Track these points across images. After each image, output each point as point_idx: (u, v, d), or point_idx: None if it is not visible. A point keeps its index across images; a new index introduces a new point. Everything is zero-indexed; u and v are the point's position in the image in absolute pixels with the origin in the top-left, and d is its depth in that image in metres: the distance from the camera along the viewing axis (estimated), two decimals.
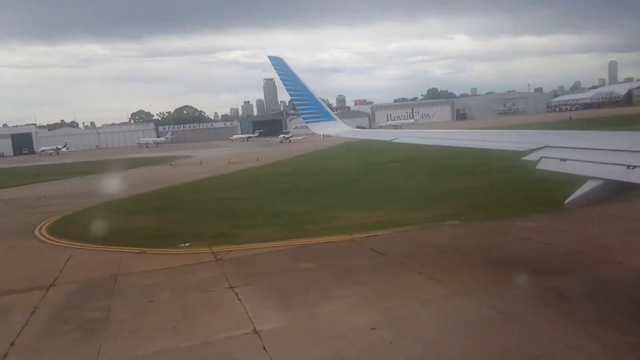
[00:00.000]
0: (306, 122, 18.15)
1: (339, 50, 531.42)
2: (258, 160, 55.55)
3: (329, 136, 17.83)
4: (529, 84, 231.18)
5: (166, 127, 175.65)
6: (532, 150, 9.51)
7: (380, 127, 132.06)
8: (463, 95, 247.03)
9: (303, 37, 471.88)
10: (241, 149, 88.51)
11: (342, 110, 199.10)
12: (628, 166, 7.39)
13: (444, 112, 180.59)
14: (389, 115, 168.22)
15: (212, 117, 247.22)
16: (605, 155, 8.33)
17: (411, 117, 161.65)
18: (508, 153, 11.16)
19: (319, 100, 17.89)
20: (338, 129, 17.46)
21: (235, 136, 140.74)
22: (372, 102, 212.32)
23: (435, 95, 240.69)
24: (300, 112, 18.77)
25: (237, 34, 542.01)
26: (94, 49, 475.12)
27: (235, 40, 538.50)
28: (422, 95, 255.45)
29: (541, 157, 9.07)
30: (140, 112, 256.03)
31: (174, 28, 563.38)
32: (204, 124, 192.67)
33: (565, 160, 8.70)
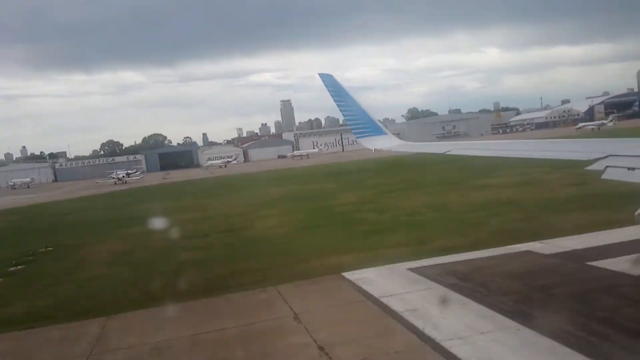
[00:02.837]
0: (357, 137, 18.32)
1: (366, 68, 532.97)
2: None
3: (381, 150, 17.91)
4: (541, 98, 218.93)
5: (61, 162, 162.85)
6: (595, 160, 9.23)
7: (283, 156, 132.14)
8: (454, 111, 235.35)
9: (330, 56, 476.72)
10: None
11: (266, 139, 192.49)
12: None
13: None
14: (315, 143, 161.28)
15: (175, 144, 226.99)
16: None
17: (339, 143, 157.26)
18: (569, 163, 10.93)
19: (369, 114, 18.01)
20: (390, 143, 17.61)
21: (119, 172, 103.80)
22: (394, 120, 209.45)
23: (415, 115, 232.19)
24: (351, 126, 18.96)
25: (266, 57, 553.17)
26: (129, 76, 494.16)
27: (265, 62, 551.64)
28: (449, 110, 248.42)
29: (606, 167, 8.80)
30: (110, 142, 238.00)
31: (206, 53, 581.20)
32: (90, 160, 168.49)
33: (634, 169, 8.34)
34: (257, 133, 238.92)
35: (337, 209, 29.87)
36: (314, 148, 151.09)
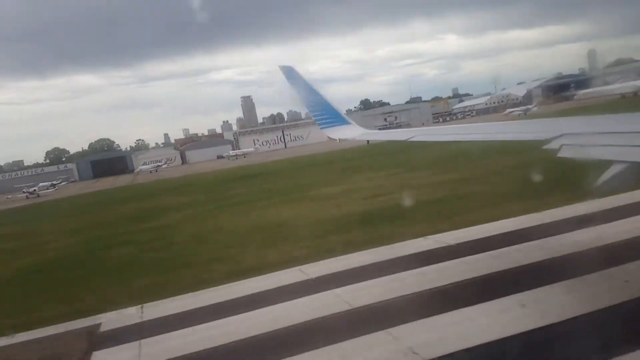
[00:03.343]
0: (322, 128, 18.45)
1: (328, 60, 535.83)
2: None
3: (345, 140, 18.19)
4: (494, 83, 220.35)
5: None
6: (552, 139, 9.36)
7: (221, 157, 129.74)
8: (414, 99, 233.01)
9: (291, 51, 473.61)
10: None
11: (205, 139, 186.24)
12: None
13: (318, 132, 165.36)
14: (255, 140, 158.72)
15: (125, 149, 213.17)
16: (627, 138, 8.28)
17: (281, 140, 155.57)
18: (528, 143, 11.39)
19: (333, 105, 18.23)
20: (354, 133, 17.85)
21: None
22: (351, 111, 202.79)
23: (368, 106, 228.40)
24: (315, 118, 19.08)
25: (226, 54, 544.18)
26: (86, 79, 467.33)
27: (225, 59, 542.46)
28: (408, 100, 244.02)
29: (562, 145, 8.91)
30: (56, 149, 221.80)
31: (165, 53, 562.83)
32: (17, 173, 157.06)
33: (586, 146, 8.63)
34: (197, 134, 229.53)
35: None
36: (255, 146, 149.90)
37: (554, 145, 9.08)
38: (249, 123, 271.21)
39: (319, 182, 38.30)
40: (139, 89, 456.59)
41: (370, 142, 19.84)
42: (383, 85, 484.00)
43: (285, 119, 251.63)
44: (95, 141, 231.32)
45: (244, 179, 57.22)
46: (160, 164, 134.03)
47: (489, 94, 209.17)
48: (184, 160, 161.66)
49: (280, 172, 59.84)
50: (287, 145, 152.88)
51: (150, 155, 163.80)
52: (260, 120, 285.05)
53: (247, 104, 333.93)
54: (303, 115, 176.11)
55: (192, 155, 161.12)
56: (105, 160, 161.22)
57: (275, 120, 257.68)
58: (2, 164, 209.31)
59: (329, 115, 18.11)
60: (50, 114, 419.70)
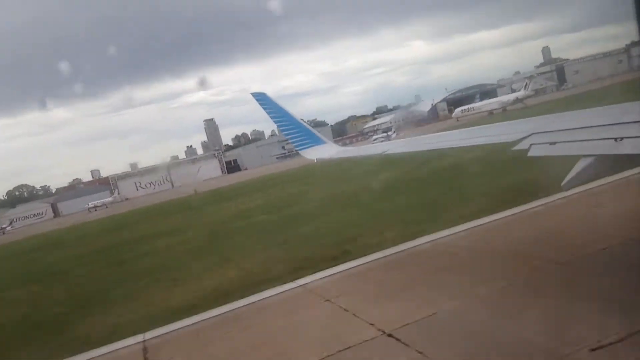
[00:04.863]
0: (298, 150, 18.76)
1: (301, 75, 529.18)
2: None
3: (322, 159, 18.65)
4: (445, 88, 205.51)
5: None
6: (521, 139, 9.46)
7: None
8: (380, 108, 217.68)
9: (263, 68, 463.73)
10: None
11: (81, 186, 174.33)
12: (616, 139, 7.42)
13: (210, 166, 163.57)
14: (137, 184, 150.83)
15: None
16: (592, 132, 8.43)
17: (168, 179, 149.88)
18: (499, 145, 12.43)
19: (307, 126, 18.71)
20: (330, 151, 18.44)
21: None
22: (328, 124, 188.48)
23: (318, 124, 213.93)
24: (290, 141, 19.32)
25: (197, 76, 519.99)
26: (57, 113, 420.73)
27: (197, 81, 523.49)
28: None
29: (531, 144, 9.02)
30: (23, 185, 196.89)
31: (136, 80, 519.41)
32: None
33: (554, 143, 8.71)
34: (80, 179, 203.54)
35: None
36: (137, 190, 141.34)
37: (523, 145, 9.21)
38: (213, 145, 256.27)
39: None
40: (112, 118, 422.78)
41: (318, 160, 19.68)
42: (354, 95, 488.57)
43: (250, 138, 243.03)
44: (14, 187, 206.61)
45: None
46: (4, 226, 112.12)
47: (398, 107, 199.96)
48: (56, 212, 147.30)
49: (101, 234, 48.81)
50: (175, 185, 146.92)
51: (17, 212, 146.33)
52: (226, 141, 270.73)
53: (210, 126, 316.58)
54: (267, 134, 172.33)
55: (67, 206, 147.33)
56: None
57: (240, 140, 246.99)
58: None
59: (303, 136, 18.54)
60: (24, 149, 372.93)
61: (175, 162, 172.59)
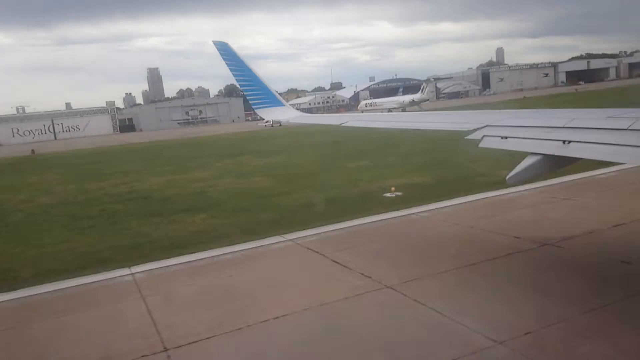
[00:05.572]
0: (255, 109, 17.92)
1: (262, 36, 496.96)
2: None
3: (278, 122, 18.02)
4: (395, 74, 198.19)
5: None
6: (474, 130, 9.78)
7: None
8: (335, 84, 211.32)
9: (223, 23, 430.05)
10: None
11: None
12: (564, 141, 7.83)
13: (101, 123, 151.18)
14: (15, 130, 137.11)
15: None
16: (543, 132, 8.70)
17: (51, 130, 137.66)
18: (453, 133, 12.53)
19: (267, 85, 17.87)
20: (288, 115, 17.80)
21: None
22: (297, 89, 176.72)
23: (230, 92, 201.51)
24: (247, 97, 18.41)
25: (152, 21, 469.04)
26: None
27: (151, 27, 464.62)
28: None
29: (483, 136, 9.32)
30: None
31: (84, 14, 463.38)
32: None
33: (506, 138, 9.02)
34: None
35: None
36: (13, 136, 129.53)
37: (476, 135, 9.55)
38: (154, 96, 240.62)
39: None
40: (56, 51, 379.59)
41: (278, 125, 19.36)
42: (316, 67, 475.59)
43: (194, 95, 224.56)
44: None
45: None
46: None
47: (322, 88, 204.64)
48: None
49: None
50: (59, 137, 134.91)
51: None
52: (168, 94, 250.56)
53: (154, 75, 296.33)
54: (211, 94, 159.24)
55: None
56: None
57: (184, 95, 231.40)
58: None
59: (263, 95, 17.71)
60: None
61: (64, 112, 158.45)
